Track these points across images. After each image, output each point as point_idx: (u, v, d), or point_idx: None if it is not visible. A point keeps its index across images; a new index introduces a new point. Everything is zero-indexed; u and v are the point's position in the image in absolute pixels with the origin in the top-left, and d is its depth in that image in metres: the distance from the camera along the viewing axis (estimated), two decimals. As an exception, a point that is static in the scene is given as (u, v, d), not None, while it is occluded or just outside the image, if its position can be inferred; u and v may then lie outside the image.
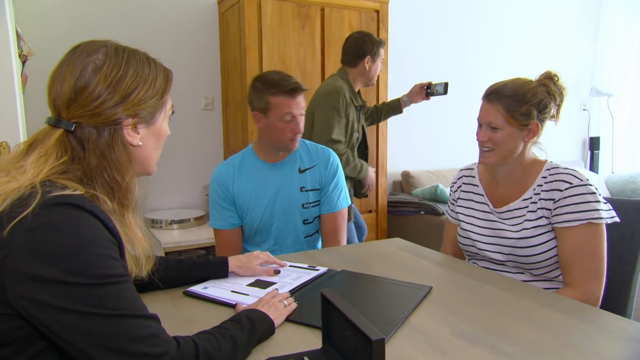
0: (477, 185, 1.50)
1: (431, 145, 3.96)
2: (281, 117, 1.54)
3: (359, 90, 2.43)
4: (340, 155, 2.13)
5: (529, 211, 1.34)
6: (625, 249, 1.38)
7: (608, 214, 1.26)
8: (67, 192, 0.70)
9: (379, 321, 0.97)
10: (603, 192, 4.04)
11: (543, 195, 1.32)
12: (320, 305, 0.82)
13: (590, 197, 1.25)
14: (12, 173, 0.72)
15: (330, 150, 1.75)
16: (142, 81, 0.81)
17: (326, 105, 2.23)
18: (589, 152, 4.68)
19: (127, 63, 0.79)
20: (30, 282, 0.64)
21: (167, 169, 2.96)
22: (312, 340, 0.90)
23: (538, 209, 1.32)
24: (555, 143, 4.57)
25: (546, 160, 1.38)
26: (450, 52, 3.94)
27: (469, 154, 1.47)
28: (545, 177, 1.33)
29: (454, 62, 3.94)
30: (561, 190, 1.28)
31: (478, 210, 1.47)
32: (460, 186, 1.55)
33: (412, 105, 2.70)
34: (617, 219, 1.27)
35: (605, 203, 1.28)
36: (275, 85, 1.53)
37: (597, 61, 4.67)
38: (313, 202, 1.69)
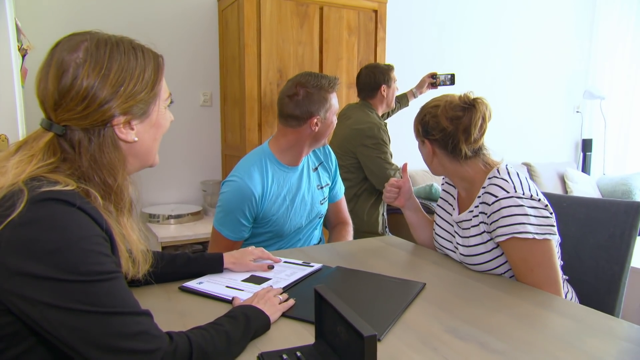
0: (455, 188, 1.47)
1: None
2: (336, 112, 1.61)
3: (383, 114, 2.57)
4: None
5: (472, 225, 1.31)
6: (615, 249, 1.40)
7: (539, 229, 1.17)
8: (57, 187, 0.69)
9: (374, 317, 0.98)
10: (594, 193, 4.07)
11: (482, 208, 1.27)
12: (314, 300, 0.83)
13: (516, 210, 1.17)
14: None
15: (327, 145, 1.77)
16: (128, 76, 0.76)
17: (373, 141, 2.30)
18: (581, 153, 4.72)
19: (110, 58, 0.75)
20: (19, 278, 0.63)
21: (165, 164, 2.97)
22: (305, 335, 0.91)
23: (480, 222, 1.29)
24: (548, 145, 4.61)
25: (492, 168, 1.31)
26: (448, 52, 3.96)
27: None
28: (484, 187, 1.28)
29: (452, 61, 3.95)
30: (489, 205, 1.23)
31: (447, 212, 1.47)
32: (443, 184, 1.55)
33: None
34: (550, 236, 1.17)
35: (541, 217, 1.18)
36: (330, 83, 1.56)
37: (591, 65, 4.72)
38: (326, 197, 1.76)
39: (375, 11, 3.03)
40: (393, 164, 2.33)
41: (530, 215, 1.17)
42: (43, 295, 0.64)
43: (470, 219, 1.32)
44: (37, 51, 2.23)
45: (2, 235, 0.63)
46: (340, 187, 1.85)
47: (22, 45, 1.95)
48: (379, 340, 0.88)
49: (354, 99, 3.02)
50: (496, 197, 1.21)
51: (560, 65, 4.57)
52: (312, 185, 1.69)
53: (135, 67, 0.78)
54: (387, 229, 2.52)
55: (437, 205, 1.54)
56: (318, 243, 1.81)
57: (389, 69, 2.46)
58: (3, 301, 0.66)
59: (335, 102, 1.59)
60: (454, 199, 1.46)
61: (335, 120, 1.61)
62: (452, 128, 1.28)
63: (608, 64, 4.62)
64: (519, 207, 1.18)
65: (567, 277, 1.40)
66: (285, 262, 1.36)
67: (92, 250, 0.67)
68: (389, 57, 3.33)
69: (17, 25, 1.89)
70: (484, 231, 1.28)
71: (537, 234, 1.17)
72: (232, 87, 2.92)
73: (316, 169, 1.73)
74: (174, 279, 1.18)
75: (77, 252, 0.66)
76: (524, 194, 1.20)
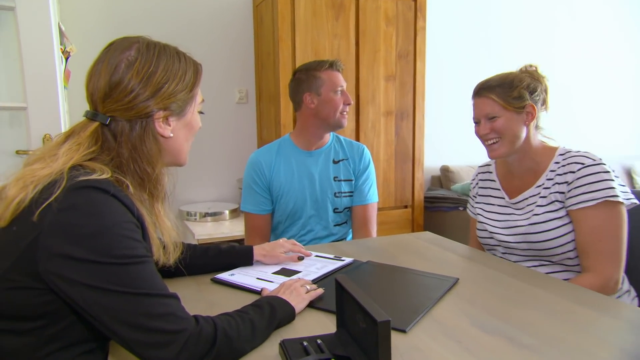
0: (494, 181, 1.51)
1: (471, 139, 3.84)
2: (335, 89, 1.65)
3: None
4: None
5: (540, 197, 1.34)
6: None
7: (625, 195, 1.24)
8: (93, 176, 0.75)
9: (402, 310, 0.97)
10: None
11: (557, 179, 1.31)
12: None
13: (604, 176, 1.23)
14: (46, 160, 0.78)
15: (364, 146, 1.81)
16: (172, 75, 0.85)
17: None
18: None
19: (158, 59, 0.84)
20: (59, 259, 0.69)
21: (201, 161, 3.04)
22: (328, 325, 0.91)
23: (550, 194, 1.31)
24: (613, 137, 4.32)
25: (558, 147, 1.38)
26: (492, 43, 3.79)
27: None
28: (558, 162, 1.33)
29: (496, 53, 3.78)
30: (574, 172, 1.27)
31: (495, 204, 1.48)
32: (478, 183, 1.57)
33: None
34: (635, 202, 1.24)
35: (622, 185, 1.26)
36: (320, 64, 1.66)
37: None
38: (345, 193, 1.75)
39: (415, 0, 2.96)
40: None
41: (615, 181, 1.25)
42: (80, 275, 0.69)
43: (539, 192, 1.34)
44: (80, 54, 2.34)
45: (45, 219, 0.70)
46: (369, 192, 1.78)
47: (65, 48, 2.05)
48: (405, 332, 0.87)
49: (392, 92, 2.99)
50: (583, 164, 1.26)
51: (628, 54, 4.29)
52: (328, 173, 1.73)
53: (179, 68, 0.87)
54: None
55: (479, 202, 1.54)
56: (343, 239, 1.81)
57: None
58: (45, 280, 0.71)
59: (332, 79, 1.64)
60: (499, 190, 1.48)
61: (336, 97, 1.64)
62: (545, 85, 1.38)
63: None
64: (607, 173, 1.24)
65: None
66: (316, 256, 1.36)
67: (124, 235, 0.73)
68: (430, 48, 3.24)
69: (60, 29, 1.99)
70: (555, 200, 1.30)
71: (624, 199, 1.23)
72: (267, 83, 2.95)
73: (337, 162, 1.76)
74: (205, 271, 1.22)
75: (112, 237, 0.71)
76: (606, 164, 1.26)
